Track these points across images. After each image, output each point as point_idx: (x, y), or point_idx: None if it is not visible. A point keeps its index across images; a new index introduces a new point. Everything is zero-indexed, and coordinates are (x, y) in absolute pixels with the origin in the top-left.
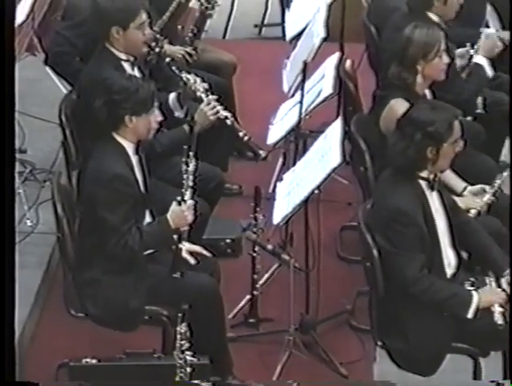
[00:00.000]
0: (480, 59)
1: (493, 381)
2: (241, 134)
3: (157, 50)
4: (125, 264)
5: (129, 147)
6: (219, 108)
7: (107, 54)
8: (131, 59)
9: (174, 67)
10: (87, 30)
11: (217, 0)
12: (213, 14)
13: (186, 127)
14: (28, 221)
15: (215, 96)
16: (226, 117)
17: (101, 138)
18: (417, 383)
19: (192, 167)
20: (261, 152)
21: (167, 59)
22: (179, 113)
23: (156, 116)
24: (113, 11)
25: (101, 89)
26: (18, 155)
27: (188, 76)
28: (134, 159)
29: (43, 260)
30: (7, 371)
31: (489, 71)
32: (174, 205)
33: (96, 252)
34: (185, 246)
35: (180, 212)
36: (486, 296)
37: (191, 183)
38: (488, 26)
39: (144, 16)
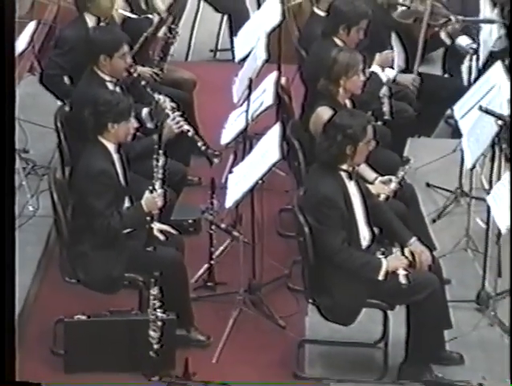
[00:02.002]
0: (376, 68)
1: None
2: (199, 144)
3: (135, 75)
4: (108, 240)
5: (111, 148)
6: (182, 123)
7: (95, 75)
8: (114, 80)
9: (148, 89)
10: (74, 56)
11: (178, 31)
12: (175, 42)
13: (155, 137)
14: (30, 207)
15: (179, 113)
16: (188, 130)
17: (89, 141)
18: (338, 330)
19: (161, 163)
20: (215, 160)
21: (143, 82)
22: (150, 125)
23: (133, 123)
24: (101, 42)
25: (90, 102)
26: (22, 154)
27: (159, 96)
28: (116, 157)
29: (43, 238)
30: (7, 371)
31: (384, 77)
32: (147, 193)
33: (85, 231)
34: (156, 226)
35: (152, 199)
36: (393, 262)
37: (160, 176)
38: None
39: (126, 48)
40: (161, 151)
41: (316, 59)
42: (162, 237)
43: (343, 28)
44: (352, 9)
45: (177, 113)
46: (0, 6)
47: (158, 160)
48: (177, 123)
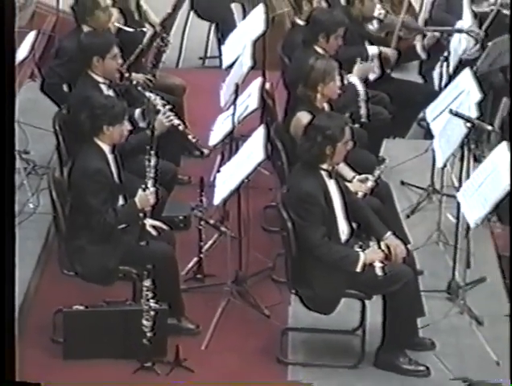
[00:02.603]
0: (354, 79)
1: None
2: (190, 137)
3: (126, 75)
4: (104, 235)
5: (106, 149)
6: (172, 117)
7: (89, 78)
8: (107, 82)
9: (139, 88)
10: (73, 65)
11: (169, 40)
12: (167, 50)
13: (148, 132)
14: (31, 204)
15: (169, 107)
16: (178, 124)
17: (85, 142)
18: (319, 319)
19: (153, 163)
20: (205, 150)
21: (134, 82)
22: (142, 124)
23: (127, 126)
24: (93, 45)
25: (86, 106)
26: (23, 155)
27: (150, 94)
28: (110, 157)
29: (43, 233)
30: (7, 371)
31: (360, 88)
32: (140, 191)
33: (82, 227)
34: (149, 221)
35: (144, 196)
36: (370, 255)
37: (152, 175)
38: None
39: (116, 49)
40: (153, 152)
41: (297, 67)
42: (154, 232)
43: (322, 36)
44: (329, 18)
45: (168, 107)
46: (0, 16)
47: (150, 160)
48: (167, 117)
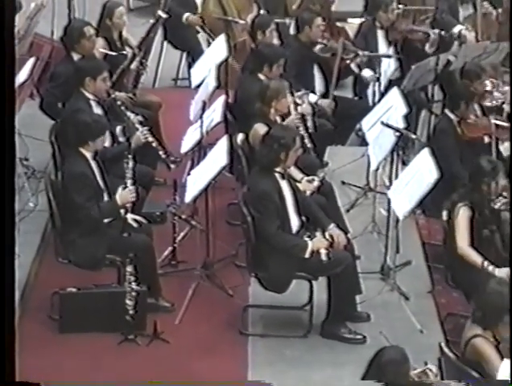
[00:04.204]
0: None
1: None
2: (160, 153)
3: (112, 96)
4: (91, 228)
5: (89, 156)
6: (148, 135)
7: (81, 95)
8: (96, 99)
9: (122, 108)
10: (65, 87)
11: (147, 64)
12: (145, 73)
13: (126, 144)
14: (31, 203)
15: (147, 128)
16: (152, 142)
17: (71, 151)
18: (275, 297)
19: (131, 165)
20: (172, 165)
21: (118, 102)
22: (122, 139)
23: (106, 137)
24: (87, 68)
25: (73, 121)
26: (23, 162)
27: (130, 114)
28: (93, 163)
29: (41, 228)
30: (7, 371)
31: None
32: (120, 189)
33: (73, 223)
34: (130, 216)
35: (124, 194)
36: (316, 243)
37: (130, 175)
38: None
39: (106, 73)
40: (130, 156)
41: (248, 88)
42: (135, 225)
43: (266, 66)
44: (271, 51)
45: (145, 128)
46: (1, 42)
47: (128, 163)
48: (144, 135)
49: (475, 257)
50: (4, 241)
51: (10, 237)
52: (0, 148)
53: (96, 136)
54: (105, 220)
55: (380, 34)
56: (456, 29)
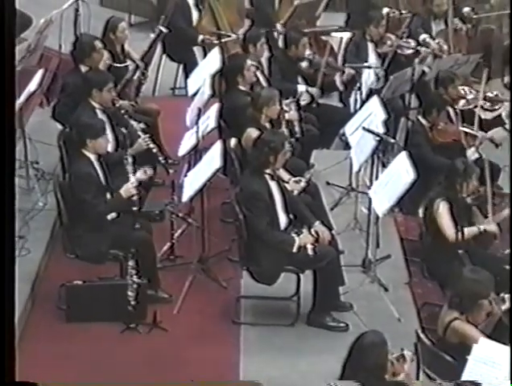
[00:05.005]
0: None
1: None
2: (160, 158)
3: (117, 105)
4: (97, 224)
5: (92, 157)
6: (149, 142)
7: (88, 104)
8: (102, 108)
9: (126, 116)
10: (75, 96)
11: (148, 74)
12: (146, 82)
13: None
14: (41, 203)
15: (148, 135)
16: (153, 148)
17: (76, 153)
18: (265, 289)
19: (130, 160)
20: (170, 170)
21: (122, 111)
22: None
23: (107, 139)
24: (94, 79)
25: (75, 124)
26: (34, 165)
27: (133, 122)
28: (97, 164)
29: (50, 225)
30: (7, 371)
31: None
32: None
33: (79, 220)
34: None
35: (126, 187)
36: (303, 239)
37: (131, 170)
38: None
39: (111, 85)
40: (128, 153)
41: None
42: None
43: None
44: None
45: (147, 135)
46: (1, 52)
47: (127, 159)
48: (145, 142)
49: (467, 235)
50: (4, 245)
51: (10, 249)
52: (0, 149)
53: (96, 135)
54: (109, 217)
55: (370, 46)
56: (421, 37)
